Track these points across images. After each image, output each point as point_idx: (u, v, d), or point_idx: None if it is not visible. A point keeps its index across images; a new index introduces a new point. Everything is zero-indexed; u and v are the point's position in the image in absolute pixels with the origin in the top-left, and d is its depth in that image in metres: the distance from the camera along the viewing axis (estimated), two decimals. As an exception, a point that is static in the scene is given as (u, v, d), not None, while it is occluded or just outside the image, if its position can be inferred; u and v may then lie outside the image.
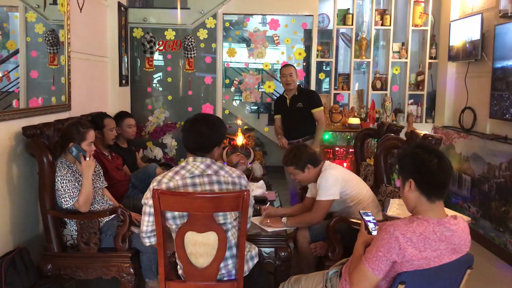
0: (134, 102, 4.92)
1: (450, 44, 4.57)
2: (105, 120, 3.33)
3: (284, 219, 2.63)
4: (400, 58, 5.11)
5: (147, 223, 1.93)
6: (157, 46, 4.90)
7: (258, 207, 2.82)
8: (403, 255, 1.51)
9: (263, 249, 2.47)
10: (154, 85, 5.07)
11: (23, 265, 2.42)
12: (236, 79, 5.47)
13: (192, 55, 4.92)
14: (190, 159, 1.95)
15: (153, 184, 1.89)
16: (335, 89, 5.20)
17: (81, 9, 3.55)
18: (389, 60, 5.11)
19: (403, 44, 5.10)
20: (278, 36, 5.02)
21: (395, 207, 2.29)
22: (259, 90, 5.31)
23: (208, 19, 4.88)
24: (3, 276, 2.29)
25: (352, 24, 5.07)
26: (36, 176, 2.60)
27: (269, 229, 2.56)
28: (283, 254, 2.47)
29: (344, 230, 2.58)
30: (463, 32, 4.34)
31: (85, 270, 2.59)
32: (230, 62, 6.99)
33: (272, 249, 2.49)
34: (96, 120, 3.34)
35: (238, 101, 6.82)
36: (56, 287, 2.49)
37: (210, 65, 4.98)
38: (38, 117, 2.85)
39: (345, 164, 4.62)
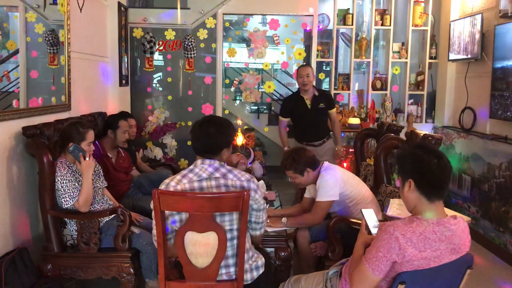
0: (134, 102, 4.92)
1: (450, 44, 4.57)
2: (120, 122, 3.33)
3: (284, 219, 2.64)
4: (400, 58, 5.11)
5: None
6: (157, 46, 4.90)
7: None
8: (403, 255, 1.51)
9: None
10: (154, 85, 5.07)
11: (23, 265, 2.42)
12: (236, 79, 5.46)
13: (192, 55, 4.92)
14: (198, 161, 1.94)
15: (162, 187, 1.89)
16: (335, 89, 5.20)
17: (81, 9, 3.55)
18: (389, 60, 5.11)
19: (403, 44, 5.10)
20: (278, 36, 5.02)
21: (395, 207, 2.29)
22: (259, 90, 5.31)
23: (208, 19, 4.88)
24: (3, 276, 2.29)
25: (352, 24, 5.06)
26: (36, 176, 2.60)
27: (269, 229, 2.56)
28: (283, 254, 2.48)
29: (344, 230, 2.58)
30: (463, 32, 4.34)
31: (85, 270, 2.59)
32: (230, 62, 6.99)
33: (272, 249, 2.49)
34: (112, 120, 3.34)
35: (238, 101, 6.82)
36: (56, 287, 2.49)
37: (210, 65, 4.98)
38: (38, 117, 2.85)
39: (345, 164, 4.62)
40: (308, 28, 5.03)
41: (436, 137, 2.70)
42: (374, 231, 1.76)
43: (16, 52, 2.82)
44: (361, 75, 6.00)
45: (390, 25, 5.06)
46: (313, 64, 5.06)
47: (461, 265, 1.62)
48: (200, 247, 1.85)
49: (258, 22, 5.75)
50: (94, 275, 2.60)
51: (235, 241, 1.89)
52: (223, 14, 4.92)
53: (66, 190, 2.50)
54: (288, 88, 8.50)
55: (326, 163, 2.78)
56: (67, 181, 2.51)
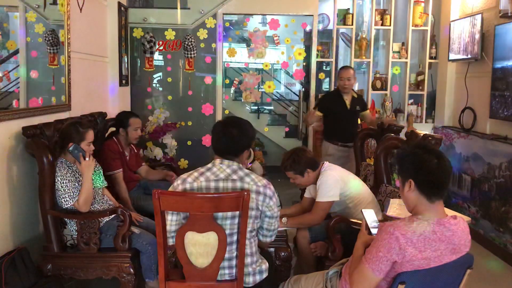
0: (134, 102, 4.92)
1: (450, 44, 4.57)
2: (130, 119, 3.34)
3: (284, 219, 2.63)
4: (400, 58, 5.11)
5: (171, 222, 1.92)
6: (157, 46, 4.90)
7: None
8: (403, 255, 1.51)
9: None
10: (154, 85, 5.07)
11: (23, 265, 2.42)
12: (236, 79, 5.46)
13: (192, 55, 4.92)
14: (217, 161, 1.94)
15: (177, 182, 1.91)
16: (335, 89, 5.19)
17: (81, 9, 3.55)
18: (389, 60, 5.10)
19: (403, 44, 5.10)
20: (278, 36, 5.02)
21: (395, 207, 2.29)
22: (259, 90, 5.31)
23: (208, 19, 4.88)
24: (3, 276, 2.29)
25: (352, 24, 5.06)
26: (36, 176, 2.60)
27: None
28: (283, 254, 2.47)
29: (344, 230, 2.58)
30: (463, 32, 4.34)
31: (85, 270, 2.59)
32: (230, 62, 7.00)
33: (272, 249, 2.49)
34: (122, 118, 3.35)
35: (238, 101, 6.82)
36: (56, 287, 2.49)
37: (210, 65, 4.98)
38: (38, 117, 2.85)
39: (345, 164, 4.62)
40: (308, 28, 5.03)
41: (436, 137, 2.70)
42: (374, 231, 1.77)
43: (16, 52, 2.82)
44: (361, 75, 6.00)
45: (390, 25, 5.06)
46: (313, 64, 5.07)
47: (461, 265, 1.62)
48: (200, 247, 1.85)
49: (258, 22, 5.76)
50: (94, 275, 2.60)
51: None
52: (223, 14, 4.92)
53: (66, 190, 2.50)
54: (289, 89, 8.51)
55: (326, 164, 2.78)
56: (67, 181, 2.51)
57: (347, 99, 4.07)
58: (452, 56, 4.55)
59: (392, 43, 5.09)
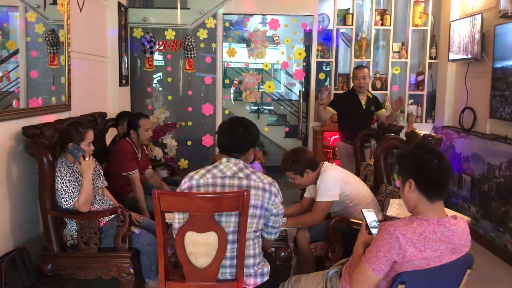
0: (134, 102, 4.92)
1: (450, 44, 4.58)
2: (140, 120, 3.32)
3: (284, 219, 2.63)
4: (400, 58, 5.11)
5: (178, 220, 1.94)
6: (157, 46, 4.90)
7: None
8: (404, 255, 1.51)
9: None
10: (154, 85, 5.08)
11: (23, 265, 2.42)
12: (236, 79, 5.47)
13: (192, 55, 4.92)
14: (224, 159, 1.98)
15: (185, 179, 1.96)
16: (335, 89, 5.20)
17: (81, 9, 3.55)
18: (389, 60, 5.11)
19: (403, 44, 5.10)
20: (278, 36, 5.02)
21: (395, 207, 2.29)
22: (259, 90, 5.31)
23: (208, 19, 4.88)
24: (3, 276, 2.29)
25: (352, 24, 5.06)
26: (36, 176, 2.60)
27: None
28: (283, 254, 2.47)
29: (344, 230, 2.58)
30: (463, 32, 4.34)
31: (85, 270, 2.59)
32: (230, 62, 7.00)
33: (272, 249, 2.49)
34: (133, 119, 3.34)
35: (238, 101, 6.82)
36: (56, 287, 2.49)
37: (210, 65, 4.98)
38: (38, 117, 2.85)
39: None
40: (308, 28, 5.03)
41: (436, 137, 2.70)
42: (374, 231, 1.76)
43: (16, 52, 2.82)
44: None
45: (390, 25, 5.06)
46: (313, 64, 5.07)
47: (461, 265, 1.62)
48: (200, 247, 1.85)
49: (258, 22, 5.75)
50: (94, 275, 2.60)
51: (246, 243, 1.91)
52: (223, 14, 4.92)
53: (66, 190, 2.50)
54: (289, 89, 8.51)
55: (326, 164, 2.77)
56: (67, 181, 2.51)
57: (363, 99, 4.03)
58: (452, 56, 4.55)
59: (392, 43, 5.10)
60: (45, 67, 3.18)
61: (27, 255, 2.48)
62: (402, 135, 3.26)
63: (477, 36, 4.07)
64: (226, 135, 1.99)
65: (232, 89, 7.30)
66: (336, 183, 2.63)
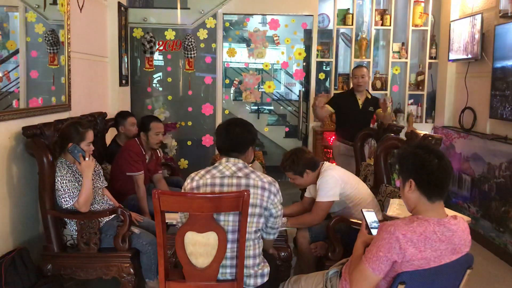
0: (134, 102, 4.92)
1: (450, 44, 4.58)
2: (151, 124, 3.30)
3: (284, 219, 2.63)
4: (400, 58, 5.11)
5: (181, 214, 1.99)
6: (157, 46, 4.90)
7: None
8: (404, 255, 1.51)
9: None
10: (154, 85, 5.07)
11: (23, 265, 2.42)
12: (236, 79, 5.47)
13: (192, 55, 4.92)
14: (223, 160, 2.01)
15: (188, 181, 1.99)
16: (335, 89, 5.19)
17: (81, 9, 3.55)
18: (389, 60, 5.11)
19: (403, 44, 5.10)
20: (278, 36, 5.02)
21: (395, 207, 2.29)
22: (259, 90, 5.31)
23: (208, 19, 4.88)
24: (3, 276, 2.29)
25: (352, 24, 5.06)
26: (36, 176, 2.60)
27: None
28: (283, 254, 2.47)
29: (344, 230, 2.58)
30: (463, 32, 4.34)
31: (85, 270, 2.59)
32: (230, 62, 7.00)
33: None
34: (144, 122, 3.34)
35: (238, 101, 6.82)
36: (56, 287, 2.49)
37: (210, 65, 4.98)
38: (38, 117, 2.85)
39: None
40: (308, 28, 5.03)
41: (436, 137, 2.70)
42: (374, 231, 1.76)
43: (16, 52, 2.82)
44: (361, 75, 5.98)
45: (390, 25, 5.06)
46: (313, 64, 5.07)
47: (461, 265, 1.62)
48: (200, 247, 1.85)
49: (258, 22, 5.76)
50: (94, 275, 2.60)
51: (246, 244, 1.91)
52: (223, 14, 4.92)
53: (66, 190, 2.50)
54: (289, 89, 8.51)
55: (326, 164, 2.77)
56: (67, 181, 2.51)
57: (360, 99, 4.03)
58: (452, 56, 4.55)
59: (392, 43, 5.10)
60: (45, 67, 3.18)
61: (27, 255, 2.48)
62: (402, 135, 3.26)
63: (477, 36, 4.07)
64: (224, 136, 2.02)
65: (232, 89, 7.30)
66: (336, 183, 2.63)
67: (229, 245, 1.87)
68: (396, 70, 5.17)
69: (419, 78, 5.14)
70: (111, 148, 3.69)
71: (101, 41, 4.18)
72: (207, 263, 1.86)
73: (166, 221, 1.94)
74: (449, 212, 1.87)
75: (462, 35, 4.37)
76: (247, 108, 7.48)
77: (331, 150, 5.04)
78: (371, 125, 4.21)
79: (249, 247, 1.92)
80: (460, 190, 4.27)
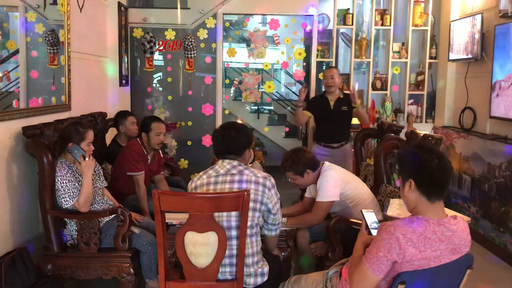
0: (134, 102, 4.92)
1: (450, 44, 4.57)
2: (152, 124, 3.31)
3: (284, 219, 2.63)
4: (400, 58, 5.11)
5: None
6: (157, 46, 4.90)
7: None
8: (404, 255, 1.51)
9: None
10: (154, 85, 5.07)
11: (23, 265, 2.43)
12: (236, 79, 5.46)
13: (192, 55, 4.92)
14: (220, 161, 2.06)
15: (189, 183, 2.07)
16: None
17: (81, 9, 3.55)
18: (389, 60, 5.10)
19: (403, 44, 5.10)
20: (278, 36, 5.02)
21: (395, 207, 2.29)
22: (259, 90, 5.31)
23: (208, 19, 4.88)
24: (3, 276, 2.29)
25: (352, 24, 5.06)
26: (36, 176, 2.60)
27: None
28: (283, 254, 2.47)
29: (344, 230, 2.58)
30: (463, 32, 4.34)
31: (85, 270, 2.59)
32: (230, 62, 7.00)
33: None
34: (145, 122, 3.35)
35: (238, 101, 6.81)
36: (56, 287, 2.49)
37: (210, 65, 4.98)
38: (38, 117, 2.85)
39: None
40: (308, 28, 5.03)
41: (436, 137, 2.70)
42: (374, 232, 1.76)
43: (16, 52, 2.82)
44: (361, 75, 5.99)
45: (390, 25, 5.06)
46: (313, 64, 5.06)
47: (461, 265, 1.62)
48: (200, 247, 1.85)
49: (258, 22, 5.76)
50: (94, 275, 2.60)
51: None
52: (223, 14, 4.92)
53: (66, 190, 2.50)
54: (288, 88, 8.50)
55: (326, 164, 2.77)
56: (67, 181, 2.51)
57: (332, 100, 4.04)
58: (452, 56, 4.55)
59: (392, 43, 5.09)
60: (45, 67, 3.18)
61: (27, 255, 2.48)
62: (402, 135, 3.26)
63: (477, 36, 4.07)
64: (220, 140, 2.07)
65: (232, 89, 7.30)
66: (336, 183, 2.63)
67: (227, 243, 1.87)
68: (396, 70, 5.17)
69: (419, 78, 5.13)
70: (111, 148, 3.69)
71: (101, 41, 4.18)
72: (207, 263, 1.86)
73: (166, 221, 1.94)
74: (449, 212, 1.87)
75: (462, 35, 4.37)
76: (247, 108, 7.48)
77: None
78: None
79: (246, 245, 1.92)
80: (460, 190, 4.27)
